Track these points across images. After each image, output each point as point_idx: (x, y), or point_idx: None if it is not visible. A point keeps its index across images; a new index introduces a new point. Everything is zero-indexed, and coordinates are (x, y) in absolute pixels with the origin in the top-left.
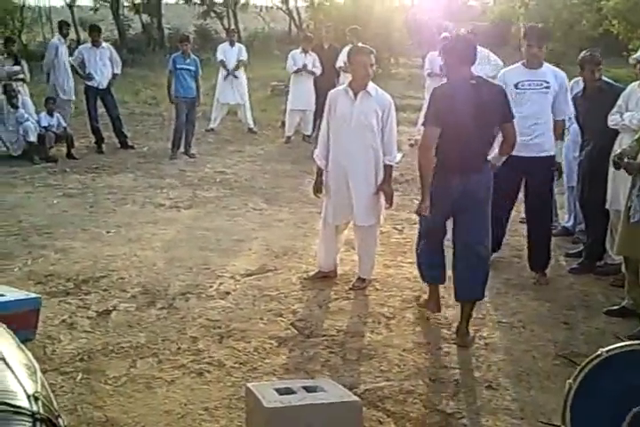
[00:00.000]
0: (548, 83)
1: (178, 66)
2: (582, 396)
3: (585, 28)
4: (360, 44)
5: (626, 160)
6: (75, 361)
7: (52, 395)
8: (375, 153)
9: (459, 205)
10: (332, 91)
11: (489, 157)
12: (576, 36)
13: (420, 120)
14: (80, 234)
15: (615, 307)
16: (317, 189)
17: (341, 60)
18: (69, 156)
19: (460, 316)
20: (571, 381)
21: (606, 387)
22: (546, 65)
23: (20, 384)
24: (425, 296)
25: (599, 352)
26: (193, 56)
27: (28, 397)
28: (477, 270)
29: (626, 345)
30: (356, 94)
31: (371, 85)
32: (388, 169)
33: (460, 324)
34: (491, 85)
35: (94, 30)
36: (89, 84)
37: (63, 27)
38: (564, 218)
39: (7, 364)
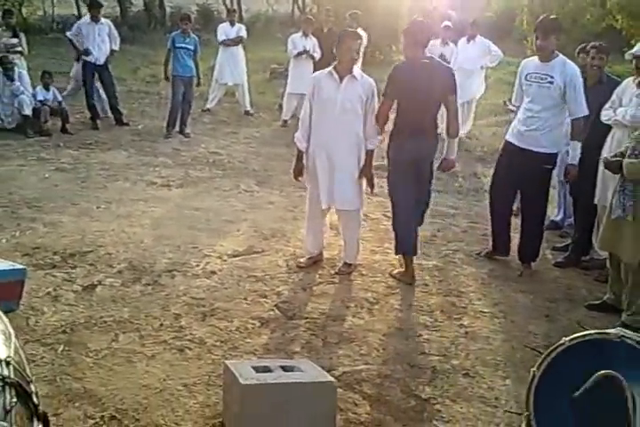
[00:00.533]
0: (552, 78)
1: (177, 44)
2: (545, 383)
3: (589, 22)
4: (350, 29)
5: (604, 159)
6: (57, 333)
7: (25, 361)
8: (358, 137)
9: (416, 169)
10: (316, 73)
11: (444, 155)
12: (579, 30)
13: None
14: (70, 208)
15: (596, 301)
16: (298, 172)
17: None
18: (64, 130)
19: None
20: (535, 369)
21: (567, 374)
22: (560, 59)
23: None
24: (398, 269)
25: (562, 341)
26: (192, 35)
27: (0, 361)
28: (422, 213)
29: (587, 334)
30: (341, 78)
31: (356, 70)
32: (369, 154)
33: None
34: (439, 64)
35: (94, 6)
36: (86, 59)
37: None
38: (554, 212)
39: None
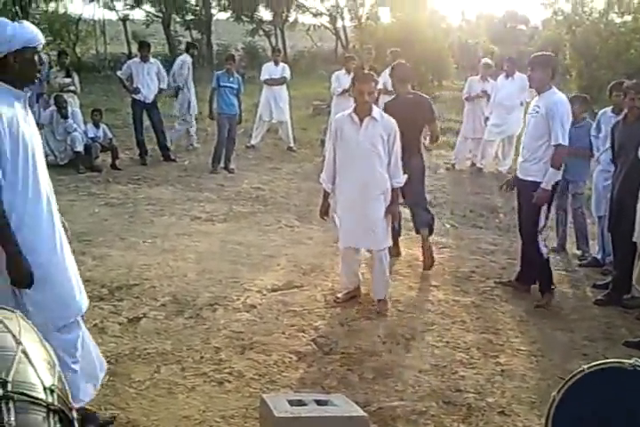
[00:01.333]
0: (538, 108)
1: (221, 83)
2: (564, 408)
3: (632, 56)
4: (364, 72)
5: None
6: None
7: (67, 389)
8: (382, 177)
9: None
10: (338, 116)
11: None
12: (623, 65)
13: (458, 144)
14: (118, 242)
15: (635, 339)
16: (324, 211)
17: (381, 82)
18: (113, 166)
19: (423, 248)
20: (555, 393)
21: (585, 399)
22: (550, 91)
23: (39, 377)
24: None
25: (581, 368)
26: (236, 75)
27: (45, 389)
28: (424, 214)
29: (604, 363)
30: (361, 120)
31: (375, 110)
32: (395, 191)
33: (425, 255)
34: (421, 97)
35: (143, 46)
36: (136, 97)
37: (190, 47)
38: (595, 249)
39: (28, 358)
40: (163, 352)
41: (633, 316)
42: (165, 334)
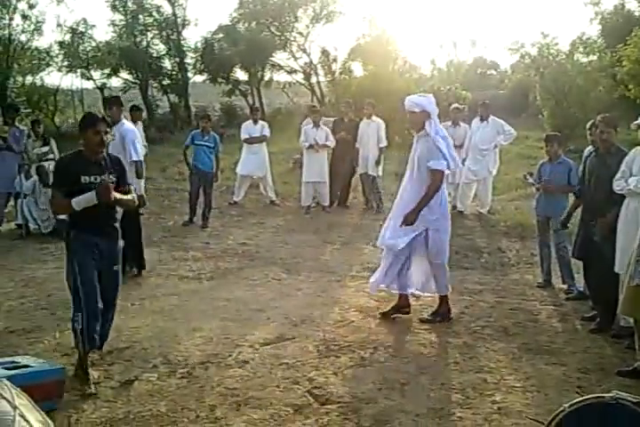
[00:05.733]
0: None
1: (196, 141)
2: None
3: (601, 93)
4: None
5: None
6: None
7: None
8: None
9: None
10: None
11: None
12: (593, 102)
13: None
14: None
15: (627, 368)
16: None
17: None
18: None
19: None
20: None
21: None
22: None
23: None
24: None
25: (562, 408)
26: (212, 133)
27: None
28: None
29: (585, 399)
30: None
31: None
32: None
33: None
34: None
35: (135, 109)
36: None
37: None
38: (581, 282)
39: (27, 420)
40: (157, 414)
41: (623, 345)
42: (159, 395)
